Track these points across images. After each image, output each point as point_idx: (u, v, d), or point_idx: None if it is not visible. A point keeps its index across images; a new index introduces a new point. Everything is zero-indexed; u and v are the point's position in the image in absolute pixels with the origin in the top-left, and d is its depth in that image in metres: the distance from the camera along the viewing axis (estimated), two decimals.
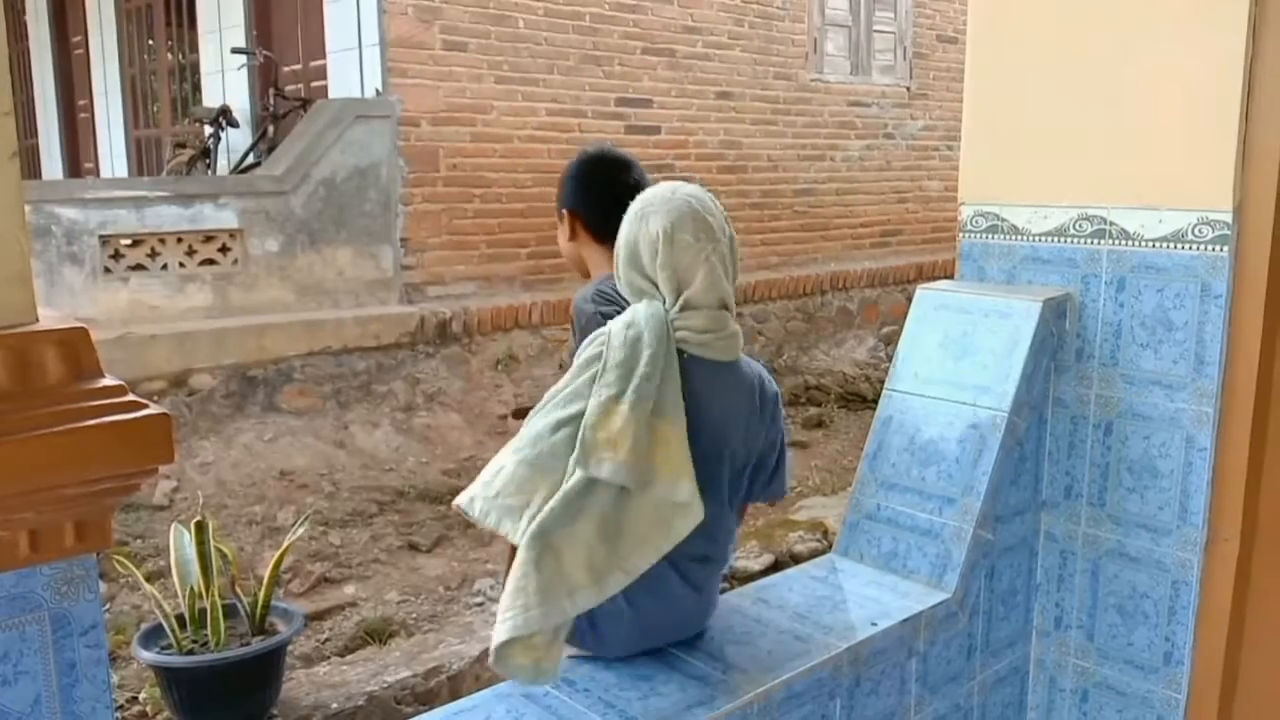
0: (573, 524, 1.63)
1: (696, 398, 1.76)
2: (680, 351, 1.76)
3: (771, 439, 1.93)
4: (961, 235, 2.73)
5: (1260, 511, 2.37)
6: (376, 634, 4.06)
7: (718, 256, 1.79)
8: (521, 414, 2.06)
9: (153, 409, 1.22)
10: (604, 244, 2.25)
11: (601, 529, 1.65)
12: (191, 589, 3.21)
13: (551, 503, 1.63)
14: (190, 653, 3.16)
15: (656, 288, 1.79)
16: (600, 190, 2.33)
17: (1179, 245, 2.34)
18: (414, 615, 4.29)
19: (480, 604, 4.38)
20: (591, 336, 1.80)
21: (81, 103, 10.55)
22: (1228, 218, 2.26)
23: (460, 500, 1.73)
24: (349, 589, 4.50)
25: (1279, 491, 2.35)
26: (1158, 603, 2.45)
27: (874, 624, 2.10)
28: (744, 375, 1.87)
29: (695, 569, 1.88)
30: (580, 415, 1.68)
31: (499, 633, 1.60)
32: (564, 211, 2.39)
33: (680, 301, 1.77)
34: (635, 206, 1.84)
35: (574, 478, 1.65)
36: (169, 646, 3.20)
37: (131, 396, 1.22)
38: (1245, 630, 2.42)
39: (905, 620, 2.14)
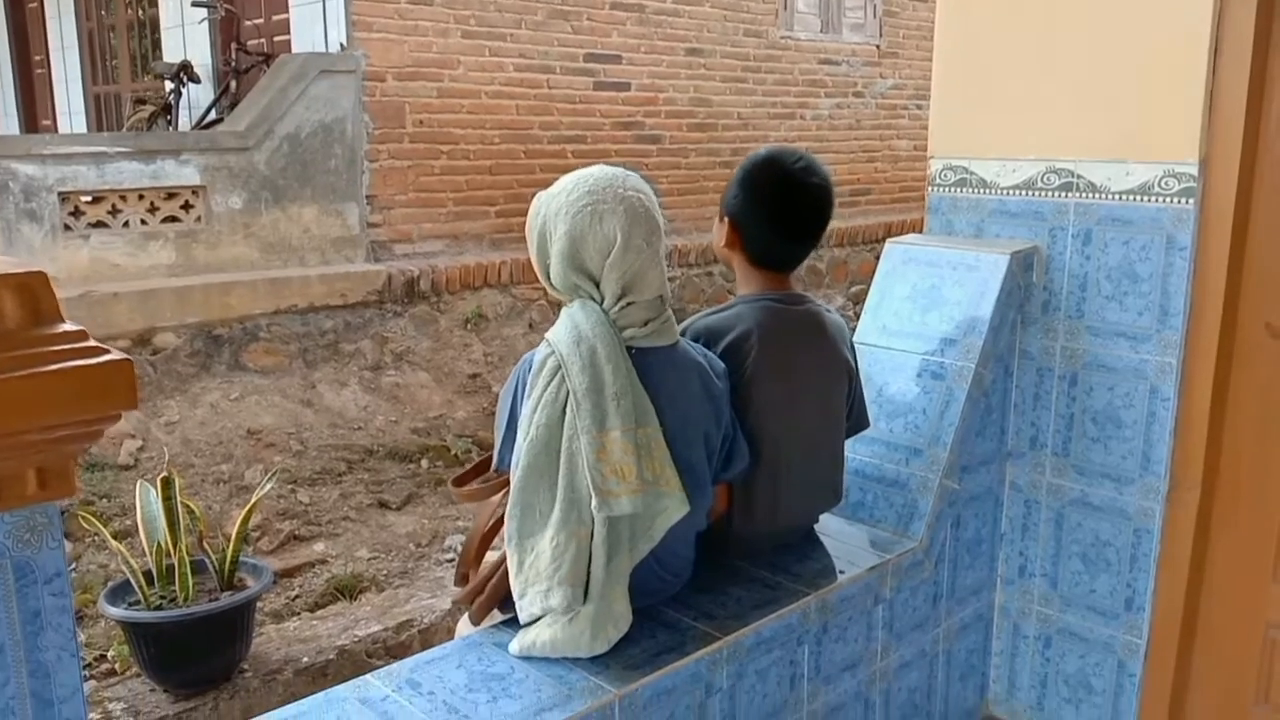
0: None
1: (655, 391, 1.74)
2: (628, 348, 1.74)
3: (729, 415, 1.92)
4: (930, 189, 2.74)
5: (1221, 460, 2.41)
6: (347, 590, 4.06)
7: (661, 255, 1.75)
8: (463, 480, 2.01)
9: (114, 354, 1.20)
10: (760, 269, 2.11)
11: (608, 552, 1.70)
12: (159, 545, 3.18)
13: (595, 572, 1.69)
14: (158, 608, 3.14)
15: (597, 286, 1.74)
16: (773, 217, 2.05)
17: (1145, 198, 2.36)
18: (385, 571, 4.29)
19: (451, 560, 4.39)
20: (532, 360, 1.76)
21: (37, 58, 10.29)
22: (1194, 170, 2.28)
23: (521, 644, 1.74)
24: (319, 546, 4.48)
25: (1240, 440, 2.39)
26: (1120, 550, 2.50)
27: (841, 572, 2.13)
28: (688, 355, 1.85)
29: (674, 561, 1.89)
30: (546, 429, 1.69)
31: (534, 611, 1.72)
32: (726, 217, 2.09)
33: (622, 302, 1.73)
34: (580, 197, 1.72)
35: (598, 529, 1.68)
36: (137, 603, 3.17)
37: (92, 342, 1.20)
38: (1205, 577, 2.47)
39: (872, 568, 2.17)
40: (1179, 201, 2.31)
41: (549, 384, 1.71)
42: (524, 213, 1.85)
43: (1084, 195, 2.45)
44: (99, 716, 3.02)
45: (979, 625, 2.68)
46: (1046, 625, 2.65)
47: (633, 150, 7.29)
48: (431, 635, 3.58)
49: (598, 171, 1.78)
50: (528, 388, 1.75)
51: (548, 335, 1.76)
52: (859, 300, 8.26)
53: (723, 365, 1.93)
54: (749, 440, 1.96)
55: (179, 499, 3.25)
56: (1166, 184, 2.32)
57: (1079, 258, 2.47)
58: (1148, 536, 2.45)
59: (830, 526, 2.33)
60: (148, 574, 3.22)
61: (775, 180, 2.05)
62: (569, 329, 1.73)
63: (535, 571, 1.69)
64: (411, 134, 6.35)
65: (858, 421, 2.26)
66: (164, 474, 3.30)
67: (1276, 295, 2.30)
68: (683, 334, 1.94)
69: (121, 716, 3.03)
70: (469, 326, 6.37)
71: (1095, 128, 2.43)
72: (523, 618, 1.72)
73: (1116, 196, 2.40)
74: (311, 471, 5.05)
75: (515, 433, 1.76)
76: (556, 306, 1.85)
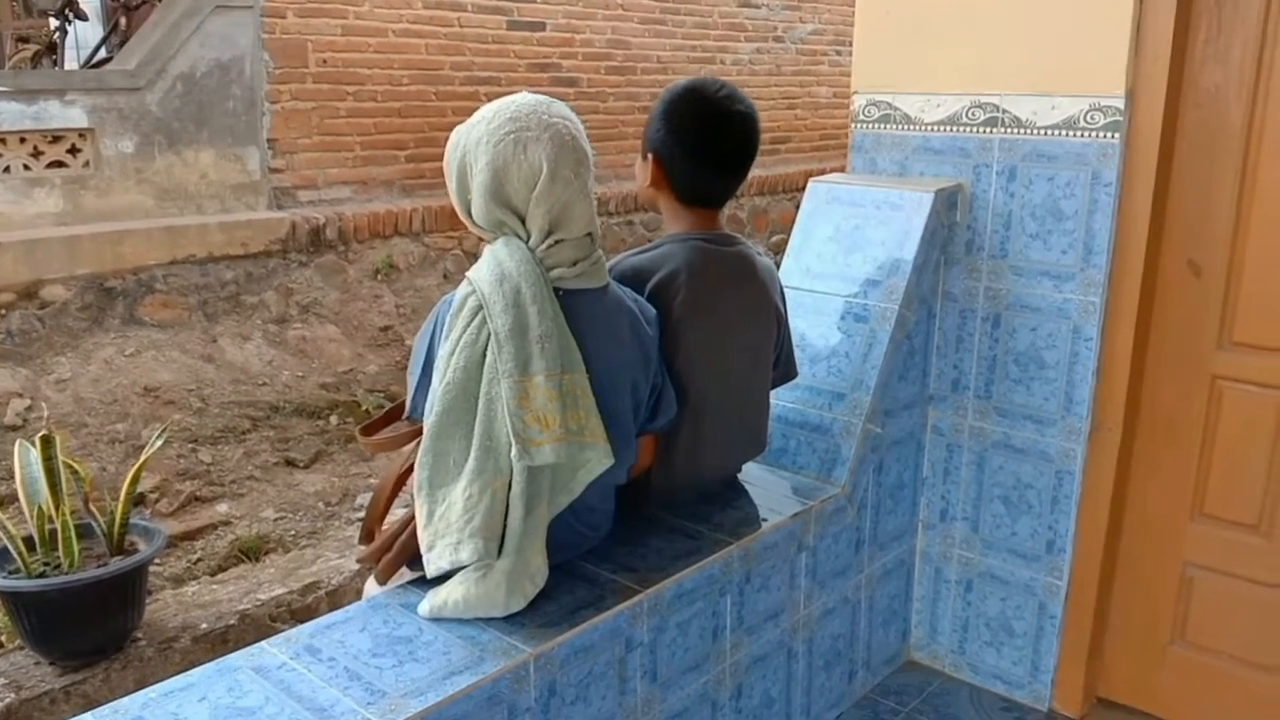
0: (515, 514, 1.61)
1: (583, 336, 1.65)
2: (556, 290, 1.64)
3: (658, 364, 1.84)
4: (853, 125, 2.65)
5: (1143, 399, 2.39)
6: (251, 552, 3.89)
7: (590, 188, 1.67)
8: (372, 429, 1.91)
9: None
10: (689, 207, 1.99)
11: (527, 504, 1.61)
12: (39, 508, 2.97)
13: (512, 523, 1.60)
14: (40, 576, 2.94)
15: (522, 222, 1.64)
16: (700, 148, 1.94)
17: (1071, 132, 2.30)
18: (292, 532, 4.12)
19: (363, 519, 4.23)
20: (452, 300, 1.66)
21: None
22: (1120, 103, 2.23)
23: (431, 605, 1.65)
24: (222, 507, 4.29)
25: (1162, 379, 2.37)
26: (1041, 493, 2.47)
27: (764, 520, 2.05)
28: (618, 298, 1.75)
29: (592, 515, 1.81)
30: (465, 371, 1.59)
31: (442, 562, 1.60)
32: (649, 154, 1.97)
33: (550, 239, 1.64)
34: (502, 124, 1.62)
35: (517, 479, 1.59)
36: (16, 570, 2.96)
37: None
38: (1125, 517, 2.47)
39: (795, 515, 2.10)
40: (1104, 136, 2.26)
41: (469, 325, 1.61)
42: (436, 157, 1.74)
43: (1009, 130, 2.39)
44: None
45: (901, 570, 2.65)
46: (968, 569, 2.63)
47: (549, 94, 6.98)
48: (340, 597, 3.43)
49: (520, 98, 1.68)
50: (446, 329, 1.63)
51: (469, 273, 1.65)
52: (780, 249, 8.20)
53: (654, 311, 1.83)
54: (674, 386, 1.86)
55: (61, 458, 3.04)
56: (1092, 118, 2.27)
57: (1003, 195, 2.41)
58: (1069, 478, 2.43)
59: (753, 474, 2.26)
60: (28, 539, 3.01)
61: (699, 111, 1.94)
62: (492, 267, 1.62)
63: (445, 523, 1.58)
64: (315, 74, 6.05)
65: (785, 370, 2.18)
66: (43, 432, 3.08)
67: (1199, 231, 2.27)
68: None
69: (2, 693, 2.84)
70: (379, 277, 6.16)
71: (1020, 60, 2.36)
72: (430, 571, 1.61)
73: (1042, 131, 2.34)
74: (214, 430, 4.83)
75: (431, 377, 1.65)
76: (472, 257, 1.74)
